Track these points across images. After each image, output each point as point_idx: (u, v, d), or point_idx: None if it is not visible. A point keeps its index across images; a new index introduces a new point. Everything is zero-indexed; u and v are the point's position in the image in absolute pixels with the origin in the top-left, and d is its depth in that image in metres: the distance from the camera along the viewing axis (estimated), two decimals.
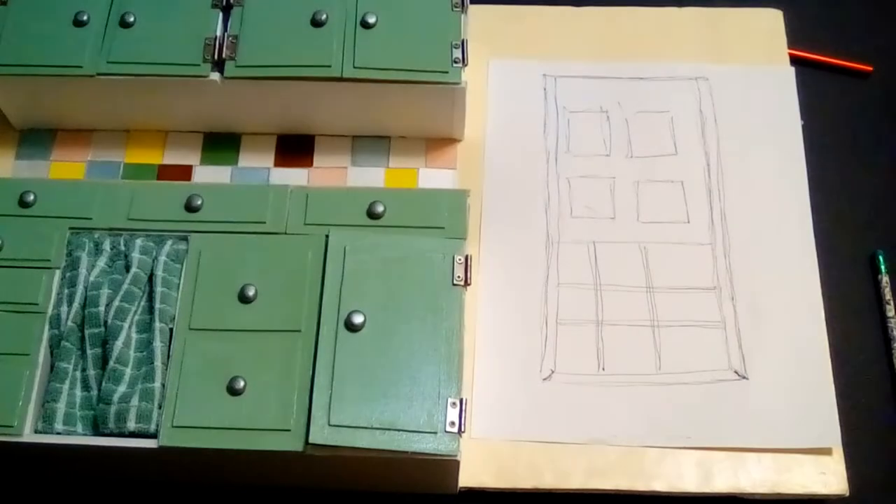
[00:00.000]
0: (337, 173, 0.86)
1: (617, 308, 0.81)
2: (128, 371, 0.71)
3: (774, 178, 0.86)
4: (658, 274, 0.83)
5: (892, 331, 0.81)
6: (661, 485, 0.74)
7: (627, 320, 0.81)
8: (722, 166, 0.87)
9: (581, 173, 0.87)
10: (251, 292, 0.73)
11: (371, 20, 0.81)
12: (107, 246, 0.76)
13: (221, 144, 0.87)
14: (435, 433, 0.68)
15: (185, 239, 0.76)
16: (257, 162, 0.87)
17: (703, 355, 0.79)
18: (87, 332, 0.73)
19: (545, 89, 0.91)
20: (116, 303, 0.73)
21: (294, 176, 0.86)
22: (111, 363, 0.71)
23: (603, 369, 0.79)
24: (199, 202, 0.77)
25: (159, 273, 0.74)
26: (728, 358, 0.79)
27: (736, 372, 0.78)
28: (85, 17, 0.82)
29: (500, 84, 0.91)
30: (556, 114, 0.90)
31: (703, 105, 0.90)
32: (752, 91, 0.90)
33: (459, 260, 0.74)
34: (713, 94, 0.90)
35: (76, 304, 0.73)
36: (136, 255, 0.75)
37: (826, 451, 0.75)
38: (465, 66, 0.80)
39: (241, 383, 0.69)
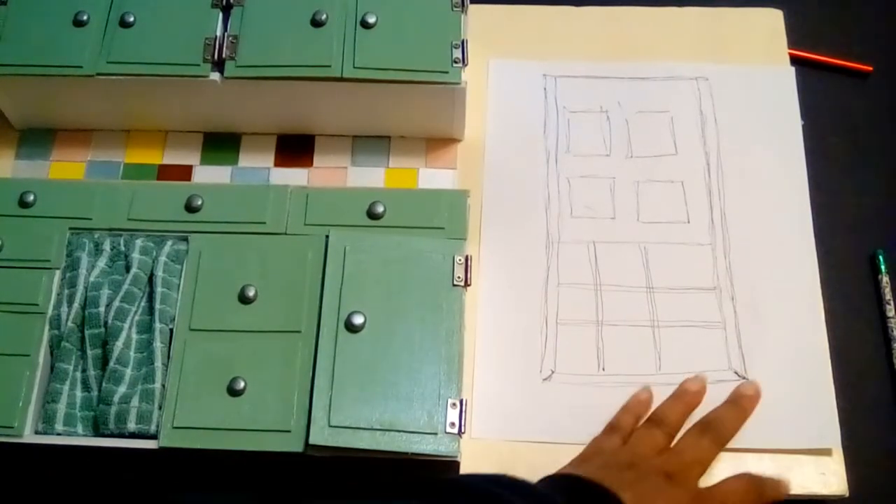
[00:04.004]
0: (337, 173, 0.86)
1: (617, 308, 0.81)
2: (128, 372, 0.71)
3: (774, 178, 0.86)
4: (658, 274, 0.82)
5: (892, 331, 0.81)
6: None
7: (627, 320, 0.81)
8: (722, 166, 0.87)
9: (581, 173, 0.87)
10: (251, 293, 0.73)
11: (371, 20, 0.81)
12: (107, 246, 0.76)
13: (221, 144, 0.87)
14: (435, 434, 0.68)
15: (186, 239, 0.76)
16: (257, 162, 0.87)
17: (703, 356, 0.79)
18: (87, 332, 0.73)
19: (545, 89, 0.91)
20: (116, 303, 0.73)
21: (294, 176, 0.86)
22: (111, 364, 0.71)
23: (603, 369, 0.79)
24: (199, 202, 0.77)
25: (159, 273, 0.74)
26: (728, 358, 0.79)
27: (736, 372, 0.78)
28: (85, 18, 0.82)
29: (500, 84, 0.91)
30: (556, 114, 0.90)
31: (704, 105, 0.90)
32: (753, 91, 0.90)
33: (459, 260, 0.74)
34: (713, 93, 0.90)
35: (76, 305, 0.73)
36: (136, 256, 0.75)
37: (826, 452, 0.75)
38: (466, 66, 0.80)
39: (242, 384, 0.69)
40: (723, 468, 0.74)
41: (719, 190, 0.86)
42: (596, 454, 0.72)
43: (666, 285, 0.82)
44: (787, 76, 0.90)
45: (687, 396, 0.75)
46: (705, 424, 0.73)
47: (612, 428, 0.75)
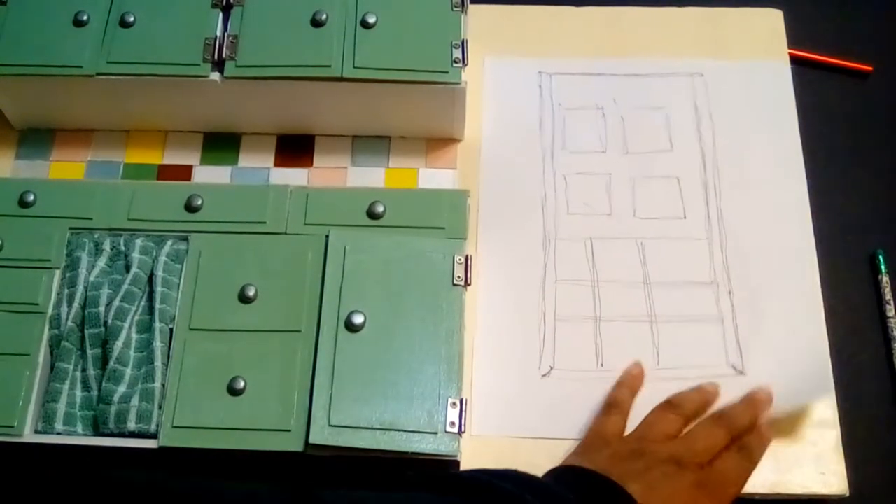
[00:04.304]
0: (337, 173, 0.86)
1: (615, 304, 0.81)
2: (128, 371, 0.71)
3: (771, 175, 0.86)
4: (655, 269, 0.83)
5: (892, 331, 0.81)
6: None
7: (625, 316, 0.81)
8: (718, 162, 0.87)
9: (577, 170, 0.87)
10: (251, 292, 0.73)
11: (371, 20, 0.81)
12: (107, 246, 0.76)
13: (221, 144, 0.87)
14: (435, 433, 0.68)
15: (186, 239, 0.76)
16: (257, 162, 0.87)
17: (701, 351, 0.79)
18: (87, 332, 0.73)
19: (541, 86, 0.91)
20: (116, 303, 0.73)
21: (294, 176, 0.86)
22: (111, 363, 0.71)
23: (602, 365, 0.79)
24: (199, 202, 0.77)
25: (159, 273, 0.74)
26: (726, 354, 0.79)
27: (734, 367, 0.78)
28: (85, 17, 0.82)
29: (496, 81, 0.91)
30: (552, 111, 0.90)
31: (699, 101, 0.90)
32: (748, 87, 0.90)
33: (459, 260, 0.74)
34: (709, 89, 0.90)
35: (76, 305, 0.73)
36: (136, 256, 0.75)
37: (826, 451, 0.75)
38: (466, 65, 0.80)
39: (242, 383, 0.69)
40: None
41: (715, 186, 0.86)
42: (600, 440, 0.72)
43: (663, 280, 0.82)
44: (783, 72, 0.90)
45: (704, 393, 0.75)
46: (719, 416, 0.73)
47: (610, 406, 0.75)
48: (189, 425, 0.69)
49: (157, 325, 0.72)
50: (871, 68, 0.92)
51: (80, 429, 0.71)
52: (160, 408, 0.70)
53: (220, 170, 0.86)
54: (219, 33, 0.82)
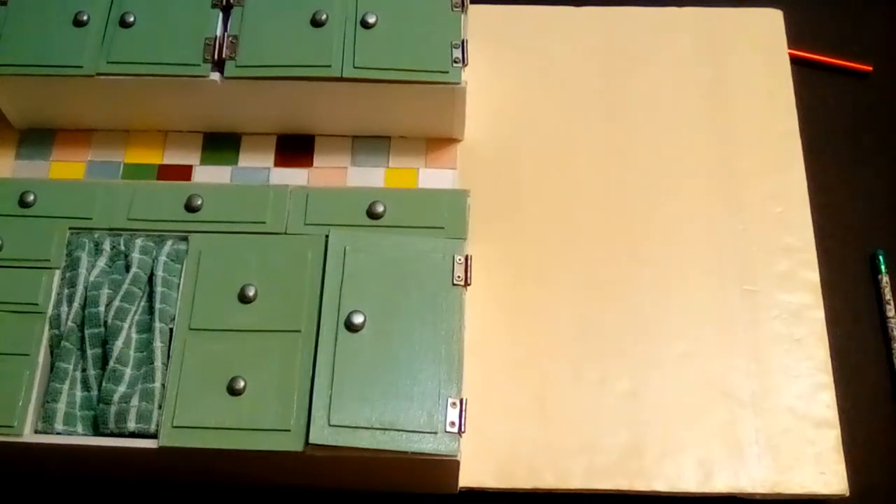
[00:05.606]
0: (337, 173, 0.86)
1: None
2: (128, 371, 0.71)
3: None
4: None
5: (892, 331, 0.81)
6: (661, 485, 0.74)
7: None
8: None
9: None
10: (251, 292, 0.73)
11: (371, 20, 0.81)
12: (107, 246, 0.76)
13: (221, 144, 0.87)
14: (435, 433, 0.68)
15: (186, 239, 0.76)
16: (257, 162, 0.87)
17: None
18: (87, 332, 0.73)
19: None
20: (116, 303, 0.73)
21: (294, 176, 0.86)
22: (111, 363, 0.71)
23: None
24: (199, 202, 0.77)
25: (159, 273, 0.74)
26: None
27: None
28: (85, 17, 0.82)
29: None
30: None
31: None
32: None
33: (459, 260, 0.74)
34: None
35: (76, 305, 0.73)
36: (136, 255, 0.75)
37: (826, 451, 0.75)
38: (466, 65, 0.80)
39: (241, 383, 0.69)
40: (723, 468, 0.75)
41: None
42: None
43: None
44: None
45: None
46: None
47: None
48: (189, 425, 0.69)
49: (157, 324, 0.72)
50: (871, 68, 0.92)
51: (80, 429, 0.71)
52: (160, 408, 0.70)
53: (220, 170, 0.86)
54: (219, 33, 0.82)
